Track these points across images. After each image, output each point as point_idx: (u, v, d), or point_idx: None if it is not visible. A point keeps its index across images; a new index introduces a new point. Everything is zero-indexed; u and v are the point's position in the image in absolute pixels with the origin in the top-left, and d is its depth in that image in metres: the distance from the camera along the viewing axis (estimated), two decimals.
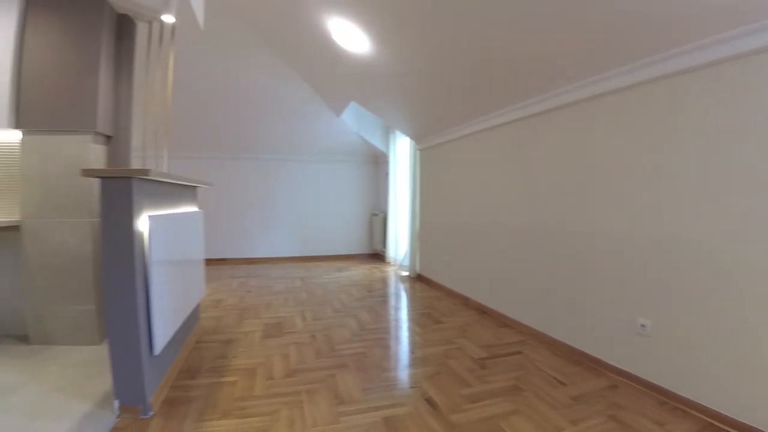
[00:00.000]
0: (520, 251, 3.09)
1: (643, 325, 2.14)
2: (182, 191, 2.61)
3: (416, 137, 4.87)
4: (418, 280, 4.96)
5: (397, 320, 3.37)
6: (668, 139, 2.00)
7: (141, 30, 2.83)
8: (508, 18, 2.23)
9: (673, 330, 1.98)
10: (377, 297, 4.13)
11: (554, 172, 2.74)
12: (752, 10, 1.57)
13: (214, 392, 2.07)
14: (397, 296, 4.24)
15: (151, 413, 1.83)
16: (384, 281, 4.93)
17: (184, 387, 2.12)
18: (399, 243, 5.96)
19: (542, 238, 2.85)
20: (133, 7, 2.56)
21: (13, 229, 2.36)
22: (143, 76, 2.83)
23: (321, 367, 2.40)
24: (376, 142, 6.11)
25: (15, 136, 2.41)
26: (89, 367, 2.17)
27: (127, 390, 1.79)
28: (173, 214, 2.27)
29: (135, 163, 3.07)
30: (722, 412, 1.76)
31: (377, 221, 6.56)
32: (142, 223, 1.88)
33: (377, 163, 6.89)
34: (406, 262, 5.35)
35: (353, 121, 5.87)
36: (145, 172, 1.78)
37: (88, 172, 1.72)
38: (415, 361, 2.52)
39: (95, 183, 2.40)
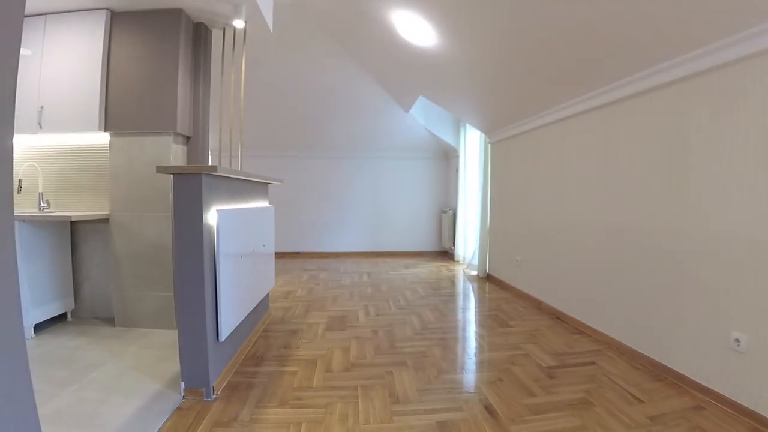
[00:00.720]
0: (599, 252, 2.76)
1: (737, 340, 1.78)
2: (253, 187, 2.74)
3: (487, 130, 4.63)
4: (487, 280, 4.73)
5: (462, 321, 3.22)
6: None
7: (217, 36, 3.03)
8: None
9: None
10: (442, 296, 4.00)
11: (640, 164, 2.39)
12: None
13: (275, 380, 2.13)
14: (464, 296, 4.07)
15: (214, 396, 1.93)
16: (451, 280, 4.78)
17: (247, 373, 2.22)
18: (468, 241, 5.74)
19: (625, 239, 2.51)
20: (207, 15, 2.75)
21: (103, 221, 2.67)
22: (220, 80, 3.03)
23: (379, 363, 2.37)
24: (446, 136, 5.95)
25: (104, 138, 2.72)
26: (164, 349, 2.37)
27: (193, 373, 1.91)
28: (242, 208, 2.38)
29: (212, 162, 3.31)
30: None
31: (446, 218, 6.39)
32: (211, 217, 1.99)
33: (447, 159, 6.71)
34: (475, 261, 5.13)
35: (422, 117, 5.78)
36: (213, 168, 1.87)
37: (162, 169, 1.86)
38: (477, 364, 2.37)
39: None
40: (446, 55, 3.35)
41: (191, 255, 1.89)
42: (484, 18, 2.64)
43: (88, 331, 2.68)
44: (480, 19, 2.68)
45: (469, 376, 2.22)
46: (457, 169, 5.96)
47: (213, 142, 5.96)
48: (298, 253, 6.59)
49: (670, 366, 2.15)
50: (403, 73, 4.34)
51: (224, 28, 2.94)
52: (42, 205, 2.77)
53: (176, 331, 2.62)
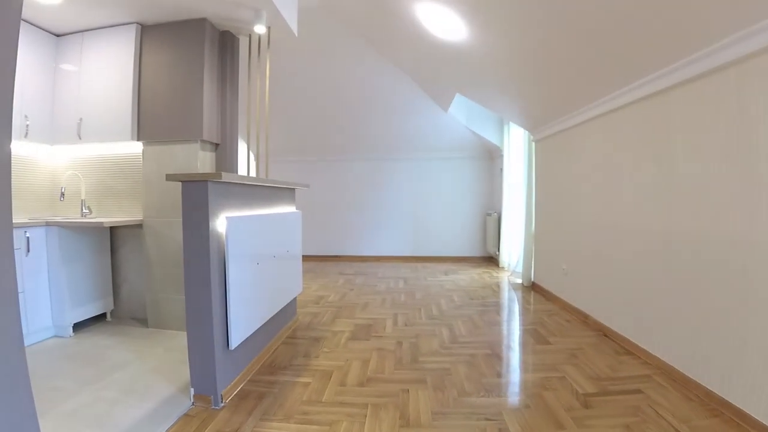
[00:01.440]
0: (653, 262, 2.40)
1: None
2: (274, 193, 2.72)
3: (530, 126, 4.30)
4: (531, 290, 4.39)
5: (496, 335, 2.98)
6: None
7: (244, 43, 3.07)
8: None
9: None
10: (479, 306, 3.76)
11: (701, 160, 2.03)
12: None
13: (286, 392, 2.08)
14: (503, 307, 3.79)
15: (222, 404, 1.91)
16: (492, 288, 4.50)
17: (260, 382, 2.18)
18: (514, 246, 5.39)
19: (683, 248, 2.14)
20: (231, 22, 2.79)
21: (138, 226, 2.79)
22: (247, 86, 3.07)
23: (397, 379, 2.23)
24: (489, 135, 5.64)
25: (138, 147, 2.85)
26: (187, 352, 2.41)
27: (201, 380, 1.90)
28: (258, 215, 2.36)
29: (242, 168, 3.37)
30: None
31: (491, 221, 6.05)
32: (220, 223, 1.98)
33: (492, 158, 6.38)
34: (520, 268, 4.79)
35: (462, 115, 5.53)
36: (218, 175, 1.85)
37: (171, 177, 1.87)
38: (504, 387, 2.15)
39: None
40: (478, 48, 3.13)
41: (198, 261, 1.89)
42: (513, 6, 2.41)
43: (123, 331, 2.82)
44: (509, 8, 2.45)
45: (493, 400, 2.00)
46: (501, 169, 5.64)
47: (261, 147, 6.18)
48: (338, 256, 6.60)
49: (729, 400, 1.79)
50: (437, 72, 4.17)
51: (250, 35, 2.97)
52: (84, 211, 2.96)
53: None
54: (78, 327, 2.80)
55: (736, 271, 1.81)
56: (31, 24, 2.70)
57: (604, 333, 2.87)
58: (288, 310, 3.00)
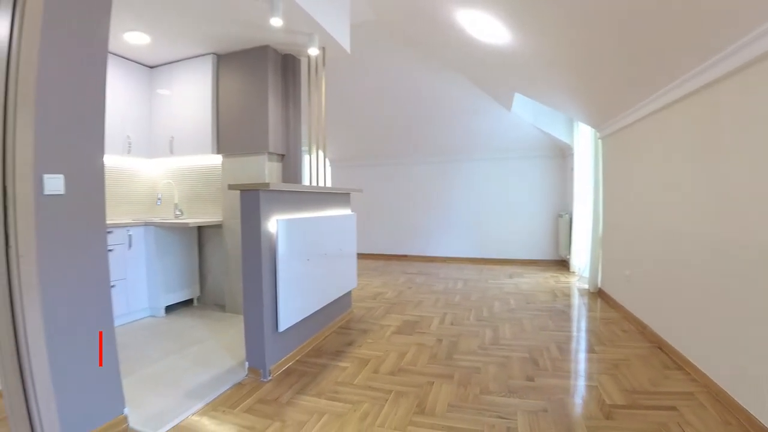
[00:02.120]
0: (712, 271, 2.17)
1: None
2: (327, 198, 3.03)
3: (595, 122, 4.06)
4: (598, 296, 4.14)
5: (540, 340, 2.94)
6: None
7: (306, 63, 3.46)
8: None
9: None
10: (534, 310, 3.69)
11: None
12: None
13: (325, 373, 2.37)
14: (560, 312, 3.67)
15: (269, 378, 2.26)
16: (554, 293, 4.34)
17: (306, 363, 2.51)
18: (583, 249, 5.09)
19: (745, 257, 1.93)
20: (290, 47, 3.18)
21: (218, 226, 3.32)
22: (308, 102, 3.45)
23: (427, 372, 2.39)
24: (558, 133, 5.38)
25: (218, 159, 3.39)
26: None
27: (253, 355, 2.28)
28: (308, 217, 2.68)
29: (306, 176, 3.77)
30: None
31: (563, 223, 5.75)
32: (272, 225, 2.33)
33: (563, 157, 6.04)
34: (587, 273, 4.53)
35: (528, 113, 5.37)
36: (266, 185, 2.20)
37: (232, 186, 2.27)
38: (528, 390, 2.17)
39: None
40: (522, 49, 3.10)
41: (252, 257, 2.26)
42: (543, 7, 2.38)
43: (205, 314, 3.40)
44: (540, 9, 2.43)
45: (513, 400, 2.05)
46: (572, 169, 5.34)
47: (338, 151, 6.67)
48: (405, 255, 6.84)
49: None
50: (491, 73, 4.15)
51: (308, 56, 3.34)
52: (177, 213, 3.62)
53: None
54: (169, 309, 3.46)
55: None
56: (129, 59, 3.38)
57: (659, 346, 2.66)
58: (342, 303, 3.31)
